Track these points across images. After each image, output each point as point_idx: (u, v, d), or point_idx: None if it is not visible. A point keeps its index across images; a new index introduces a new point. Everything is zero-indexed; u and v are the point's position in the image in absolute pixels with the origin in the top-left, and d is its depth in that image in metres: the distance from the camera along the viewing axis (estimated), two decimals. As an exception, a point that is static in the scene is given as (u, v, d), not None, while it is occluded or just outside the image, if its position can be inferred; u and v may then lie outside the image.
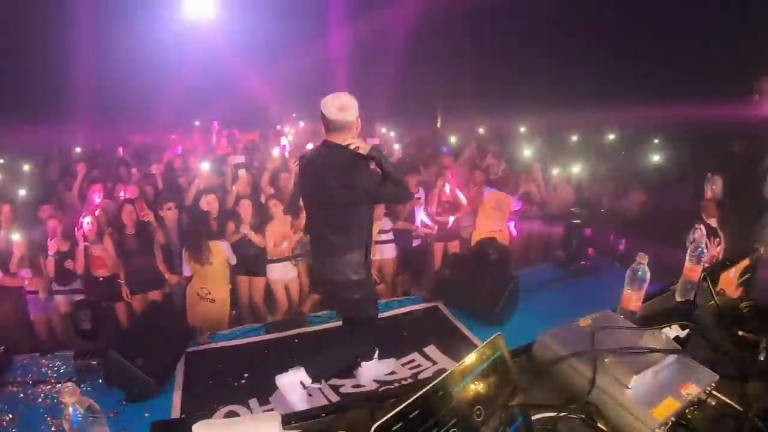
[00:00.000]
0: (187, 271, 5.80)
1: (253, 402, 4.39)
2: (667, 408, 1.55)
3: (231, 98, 11.17)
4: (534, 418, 1.53)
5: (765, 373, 1.90)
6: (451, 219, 7.18)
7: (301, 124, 11.44)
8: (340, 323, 4.86)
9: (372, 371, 4.49)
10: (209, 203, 6.14)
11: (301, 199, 4.52)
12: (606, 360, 1.68)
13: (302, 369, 3.88)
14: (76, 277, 5.89)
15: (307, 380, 3.88)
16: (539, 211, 8.10)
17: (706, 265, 5.02)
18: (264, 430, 1.50)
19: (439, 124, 13.75)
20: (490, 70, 12.54)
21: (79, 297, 5.74)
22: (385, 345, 4.75)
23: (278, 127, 10.71)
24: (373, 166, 3.63)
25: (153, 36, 10.73)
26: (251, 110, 11.69)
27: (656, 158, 9.56)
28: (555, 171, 8.29)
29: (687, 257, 2.57)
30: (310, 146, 6.31)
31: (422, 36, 12.78)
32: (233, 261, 5.91)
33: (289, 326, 5.46)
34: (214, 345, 5.26)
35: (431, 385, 1.22)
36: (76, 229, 5.81)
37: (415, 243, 7.18)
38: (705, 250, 2.58)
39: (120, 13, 11.06)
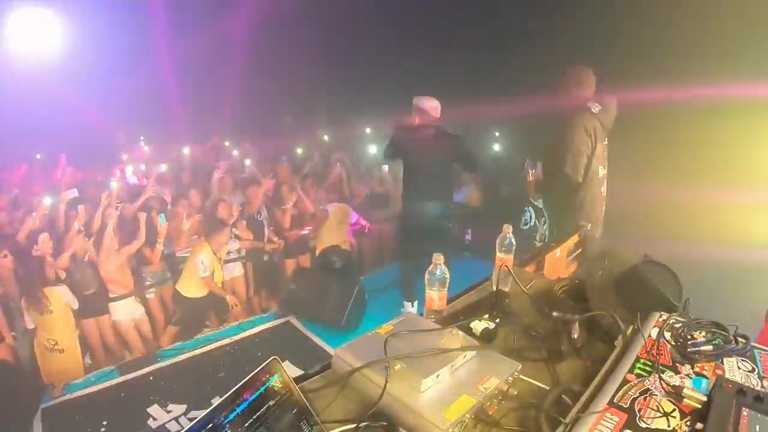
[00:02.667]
0: (30, 323, 5.26)
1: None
2: (461, 406, 1.51)
3: (66, 129, 10.38)
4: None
5: (578, 351, 1.94)
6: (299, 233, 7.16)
7: (146, 148, 10.95)
8: (191, 354, 5.19)
9: None
10: (44, 243, 5.50)
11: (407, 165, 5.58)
12: (396, 367, 1.67)
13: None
14: None
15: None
16: (385, 212, 8.24)
17: (539, 244, 5.35)
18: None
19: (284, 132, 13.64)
20: (329, 75, 12.57)
21: None
22: (241, 367, 4.70)
23: (124, 157, 10.18)
24: None
25: None
26: (91, 140, 10.89)
27: (489, 151, 10.14)
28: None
29: (497, 247, 2.57)
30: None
31: (259, 46, 12.56)
32: (75, 305, 5.40)
33: (142, 365, 5.16)
34: (68, 396, 4.86)
35: (196, 420, 1.16)
36: None
37: (266, 258, 7.04)
38: (513, 240, 2.61)
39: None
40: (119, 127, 11.25)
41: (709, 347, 1.64)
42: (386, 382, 1.62)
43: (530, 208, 6.00)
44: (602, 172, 4.92)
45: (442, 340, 1.83)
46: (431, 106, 5.41)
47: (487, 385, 1.63)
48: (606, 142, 4.88)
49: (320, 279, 5.74)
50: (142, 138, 11.36)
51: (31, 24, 9.03)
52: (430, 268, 2.24)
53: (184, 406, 4.47)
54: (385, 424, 1.58)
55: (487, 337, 2.04)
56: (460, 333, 1.94)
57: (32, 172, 8.91)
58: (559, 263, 3.09)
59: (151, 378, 4.96)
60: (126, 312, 5.89)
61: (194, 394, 4.59)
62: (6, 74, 9.29)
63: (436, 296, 2.26)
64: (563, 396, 1.62)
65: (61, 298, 5.29)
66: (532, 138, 6.51)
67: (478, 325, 2.12)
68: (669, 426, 1.34)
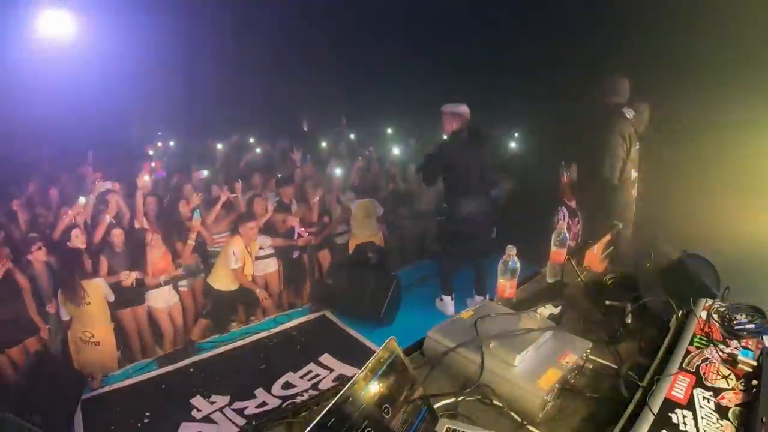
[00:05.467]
0: (64, 315, 5.38)
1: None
2: (551, 377, 1.76)
3: (95, 123, 10.63)
4: (436, 406, 1.68)
5: (633, 333, 2.21)
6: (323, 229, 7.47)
7: (171, 143, 11.13)
8: (230, 346, 5.28)
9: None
10: (78, 237, 5.70)
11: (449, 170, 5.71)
12: (491, 345, 1.86)
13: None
14: None
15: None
16: (409, 210, 8.43)
17: (572, 244, 5.53)
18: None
19: (306, 129, 13.88)
20: (352, 73, 12.83)
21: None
22: (281, 360, 4.94)
23: (150, 152, 10.37)
24: None
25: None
26: (115, 133, 11.14)
27: (519, 151, 10.39)
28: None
29: (552, 242, 2.84)
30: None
31: (282, 41, 12.82)
32: (111, 297, 5.54)
33: (181, 357, 5.29)
34: (108, 388, 4.95)
35: (341, 393, 1.34)
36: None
37: (295, 255, 7.29)
38: (567, 235, 2.88)
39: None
40: (144, 124, 11.44)
41: (752, 326, 2.00)
42: (483, 358, 1.80)
43: (563, 208, 6.19)
44: (634, 175, 5.26)
45: (521, 322, 2.01)
46: (467, 110, 5.62)
47: (567, 360, 1.89)
48: (638, 147, 5.16)
49: (357, 274, 5.89)
50: (160, 133, 11.55)
51: (56, 21, 9.21)
52: (503, 258, 2.44)
53: (227, 397, 4.59)
54: (479, 398, 1.77)
55: (553, 322, 2.22)
56: (538, 315, 2.14)
57: (61, 167, 9.08)
58: (595, 259, 3.26)
59: (191, 369, 5.09)
60: (163, 300, 6.15)
61: (236, 385, 4.72)
62: (31, 71, 9.51)
63: (507, 285, 2.47)
64: (629, 372, 1.85)
65: (98, 290, 5.42)
66: (567, 142, 6.70)
67: (545, 311, 2.33)
68: (729, 385, 1.65)
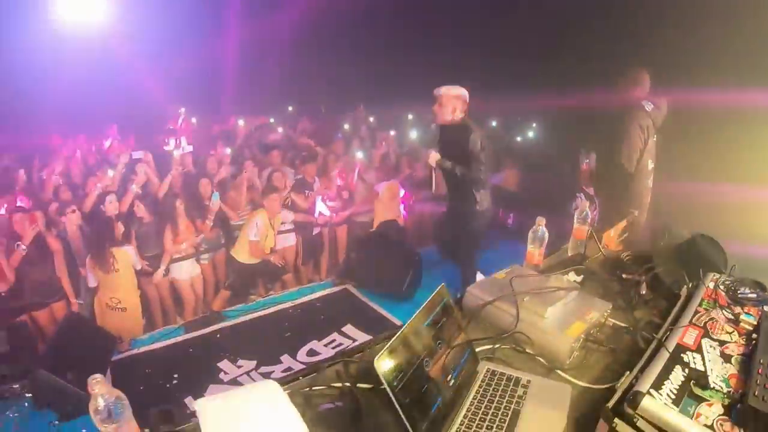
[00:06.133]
0: (92, 281, 5.62)
1: (189, 401, 4.49)
2: (577, 329, 2.04)
3: (119, 98, 10.95)
4: (477, 350, 1.98)
5: (646, 302, 2.51)
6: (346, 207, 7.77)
7: (194, 120, 11.41)
8: (255, 315, 5.68)
9: None
10: (111, 204, 5.98)
11: None
12: (525, 299, 2.16)
13: None
14: None
15: None
16: (428, 194, 8.72)
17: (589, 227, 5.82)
18: (268, 394, 1.67)
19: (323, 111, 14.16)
20: (375, 54, 13.04)
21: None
22: (305, 328, 5.26)
23: (170, 127, 10.62)
24: None
25: (28, 33, 10.26)
26: (140, 111, 11.45)
27: (535, 139, 10.70)
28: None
29: (575, 219, 3.16)
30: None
31: (310, 28, 13.10)
32: (139, 266, 5.82)
33: (207, 323, 5.62)
34: (136, 351, 5.27)
35: (407, 323, 1.63)
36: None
37: (315, 231, 7.58)
38: (589, 213, 3.20)
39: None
40: (168, 101, 11.69)
41: (754, 295, 2.25)
42: (518, 310, 2.10)
43: (581, 194, 6.48)
44: (650, 165, 5.56)
45: (549, 282, 2.31)
46: (466, 94, 5.17)
47: (590, 316, 2.16)
48: (655, 138, 5.47)
49: (380, 249, 6.23)
50: (183, 110, 11.81)
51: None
52: (533, 228, 2.73)
53: (254, 362, 4.91)
54: (514, 345, 2.07)
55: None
56: (564, 277, 2.44)
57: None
58: (612, 242, 3.54)
59: (218, 335, 5.43)
60: (185, 271, 6.42)
61: (262, 351, 5.05)
62: (56, 45, 9.79)
63: (536, 252, 2.76)
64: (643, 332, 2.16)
65: (127, 258, 5.65)
66: (586, 131, 7.00)
67: (569, 278, 2.62)
68: (732, 339, 1.92)
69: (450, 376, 1.72)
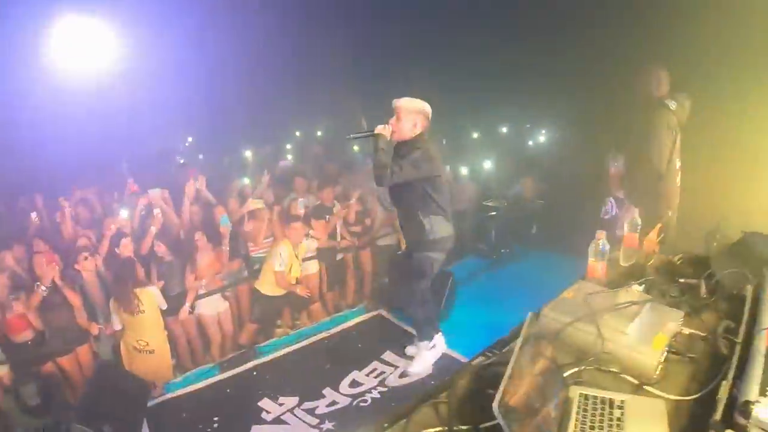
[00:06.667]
0: (116, 324, 5.72)
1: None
2: (660, 341, 2.21)
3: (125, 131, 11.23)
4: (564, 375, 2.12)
5: (710, 305, 2.69)
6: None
7: (200, 156, 11.67)
8: (291, 348, 5.73)
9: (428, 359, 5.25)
10: (126, 246, 6.12)
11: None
12: (605, 317, 2.31)
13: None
14: None
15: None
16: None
17: (620, 232, 6.01)
18: None
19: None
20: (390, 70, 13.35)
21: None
22: (344, 359, 5.41)
23: (181, 160, 10.86)
24: None
25: (27, 80, 10.52)
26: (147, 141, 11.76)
27: (553, 145, 10.98)
28: (463, 170, 9.59)
29: (626, 228, 3.33)
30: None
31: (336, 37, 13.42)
32: (164, 305, 5.90)
33: (242, 360, 5.70)
34: (171, 395, 5.32)
35: (513, 362, 1.78)
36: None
37: (339, 257, 7.78)
38: (639, 221, 3.36)
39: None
40: (174, 132, 11.97)
41: None
42: (599, 329, 2.25)
43: (612, 199, 6.65)
44: (678, 164, 5.85)
45: (621, 297, 2.46)
46: (429, 109, 4.86)
47: (668, 327, 2.34)
48: (679, 136, 5.75)
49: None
50: (190, 139, 12.08)
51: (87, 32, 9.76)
52: (594, 242, 2.89)
53: (296, 398, 4.99)
54: (598, 366, 2.20)
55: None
56: (633, 289, 2.59)
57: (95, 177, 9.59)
58: (652, 245, 3.71)
59: (254, 373, 5.51)
60: (212, 307, 6.60)
61: (303, 385, 5.13)
62: (65, 80, 10.02)
63: (598, 266, 2.91)
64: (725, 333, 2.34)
65: (152, 298, 5.75)
66: (611, 134, 7.20)
67: (636, 289, 2.78)
68: None
69: (550, 407, 1.86)
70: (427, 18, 12.09)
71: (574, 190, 8.48)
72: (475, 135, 13.95)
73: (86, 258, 6.06)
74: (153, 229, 6.43)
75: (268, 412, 4.92)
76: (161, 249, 6.30)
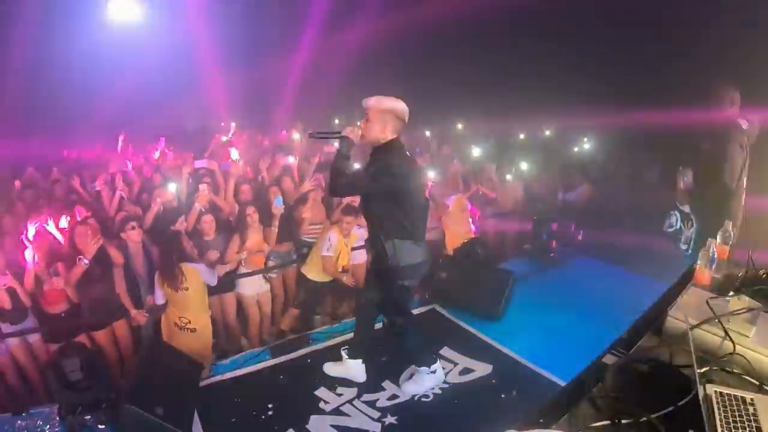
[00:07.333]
0: (159, 299, 5.87)
1: (293, 434, 4.78)
2: None
3: (168, 109, 11.55)
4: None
5: None
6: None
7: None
8: (345, 337, 5.88)
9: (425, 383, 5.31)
10: (180, 223, 6.33)
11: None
12: (729, 320, 2.61)
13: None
14: (27, 313, 5.89)
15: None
16: (492, 209, 9.54)
17: (684, 247, 6.42)
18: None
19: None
20: (439, 71, 13.78)
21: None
22: (400, 352, 5.61)
23: (226, 138, 11.17)
24: None
25: (76, 42, 10.88)
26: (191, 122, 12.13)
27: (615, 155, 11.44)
28: (507, 172, 10.06)
29: (718, 240, 3.64)
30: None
31: (384, 37, 13.80)
32: (214, 282, 6.05)
33: (294, 347, 6.00)
34: (220, 377, 5.52)
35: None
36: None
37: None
38: (732, 234, 3.69)
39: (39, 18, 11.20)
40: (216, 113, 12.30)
41: None
42: (726, 331, 2.54)
43: (677, 212, 6.97)
44: (745, 181, 6.21)
45: (736, 303, 2.83)
46: (406, 109, 4.67)
47: None
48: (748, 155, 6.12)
49: (469, 269, 6.86)
50: (234, 125, 12.38)
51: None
52: (704, 248, 3.22)
53: (354, 390, 5.25)
54: (724, 367, 2.49)
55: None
56: (745, 297, 2.88)
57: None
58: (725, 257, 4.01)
59: (308, 360, 5.76)
60: (253, 287, 6.90)
61: (361, 376, 5.42)
62: (102, 54, 10.39)
63: (706, 273, 3.21)
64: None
65: (198, 275, 5.88)
66: (680, 149, 7.58)
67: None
68: None
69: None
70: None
71: (624, 200, 8.89)
72: (523, 136, 14.59)
73: (133, 228, 6.30)
74: (197, 206, 6.70)
75: (326, 402, 5.13)
76: (208, 223, 6.57)
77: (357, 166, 4.95)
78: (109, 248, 6.03)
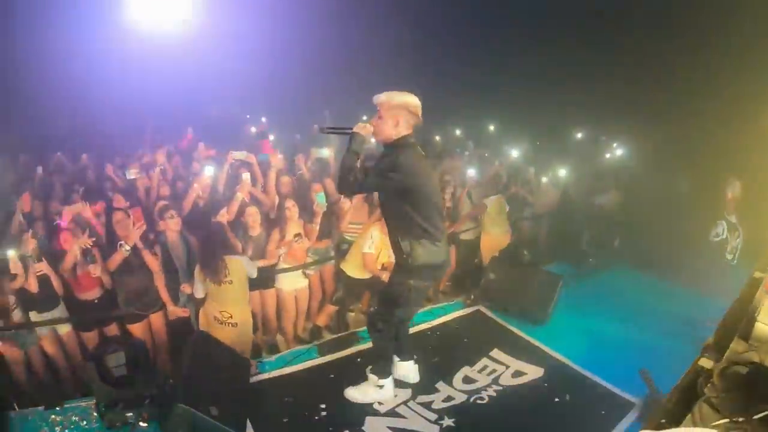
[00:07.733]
0: (200, 292, 5.70)
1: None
2: None
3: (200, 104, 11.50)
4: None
5: None
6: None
7: (271, 137, 11.86)
8: None
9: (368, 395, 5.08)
10: (222, 216, 6.22)
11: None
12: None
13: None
14: (58, 301, 5.81)
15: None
16: (530, 212, 9.52)
17: (730, 256, 6.37)
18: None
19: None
20: (476, 72, 13.73)
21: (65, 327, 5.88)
22: (451, 353, 5.69)
23: (253, 128, 11.10)
24: None
25: (101, 32, 10.83)
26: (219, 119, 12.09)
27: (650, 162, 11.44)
28: (544, 176, 10.06)
29: None
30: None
31: (413, 34, 13.76)
32: (254, 274, 5.89)
33: (343, 345, 5.87)
34: (267, 375, 5.37)
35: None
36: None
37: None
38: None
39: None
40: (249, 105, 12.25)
41: None
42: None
43: (723, 222, 6.92)
44: None
45: None
46: (419, 104, 4.47)
47: None
48: None
49: (515, 271, 6.82)
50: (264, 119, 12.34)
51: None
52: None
53: (408, 390, 5.14)
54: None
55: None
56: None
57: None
58: None
59: (359, 360, 5.64)
60: (291, 283, 6.83)
61: (414, 378, 5.33)
62: (132, 45, 10.30)
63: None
64: None
65: (242, 267, 5.73)
66: (726, 158, 7.55)
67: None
68: None
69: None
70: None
71: (662, 209, 8.82)
72: (561, 140, 14.47)
73: (172, 216, 6.13)
74: (239, 195, 6.56)
75: (380, 403, 5.01)
76: (252, 216, 6.44)
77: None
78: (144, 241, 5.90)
